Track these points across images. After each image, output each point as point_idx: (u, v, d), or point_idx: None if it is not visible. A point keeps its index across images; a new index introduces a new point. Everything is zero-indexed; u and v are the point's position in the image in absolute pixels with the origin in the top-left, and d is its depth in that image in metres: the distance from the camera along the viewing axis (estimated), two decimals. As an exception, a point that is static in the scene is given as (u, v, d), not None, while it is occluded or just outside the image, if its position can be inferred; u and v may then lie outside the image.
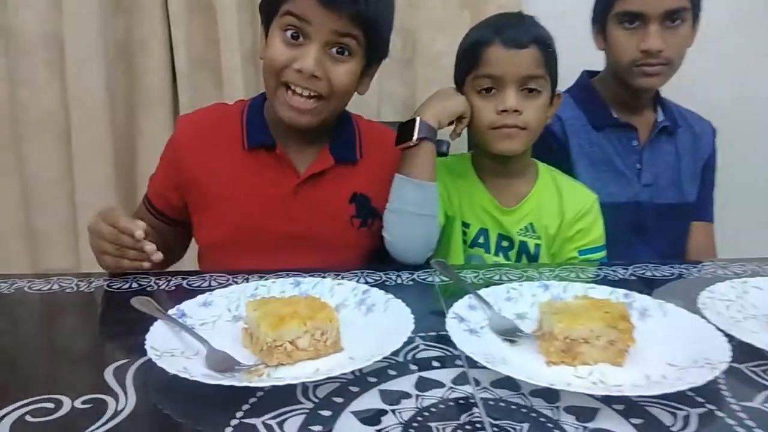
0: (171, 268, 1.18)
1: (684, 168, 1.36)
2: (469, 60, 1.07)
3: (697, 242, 1.40)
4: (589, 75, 1.39)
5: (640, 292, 0.80)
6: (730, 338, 0.67)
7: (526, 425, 0.56)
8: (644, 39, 1.20)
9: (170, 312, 0.74)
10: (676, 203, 1.34)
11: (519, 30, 1.03)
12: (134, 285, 0.91)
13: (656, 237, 1.32)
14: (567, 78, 1.37)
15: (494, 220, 1.11)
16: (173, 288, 0.90)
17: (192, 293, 0.79)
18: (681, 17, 1.21)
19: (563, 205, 1.11)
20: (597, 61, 1.35)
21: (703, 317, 0.73)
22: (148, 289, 0.89)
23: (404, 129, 1.06)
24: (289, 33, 0.97)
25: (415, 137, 1.03)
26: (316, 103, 1.00)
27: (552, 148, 1.27)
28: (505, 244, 1.10)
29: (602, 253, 1.11)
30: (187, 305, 0.76)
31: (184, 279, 0.93)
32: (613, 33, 1.25)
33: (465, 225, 1.12)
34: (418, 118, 1.04)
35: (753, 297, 0.82)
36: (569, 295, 0.81)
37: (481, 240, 1.11)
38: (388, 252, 1.06)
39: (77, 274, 0.95)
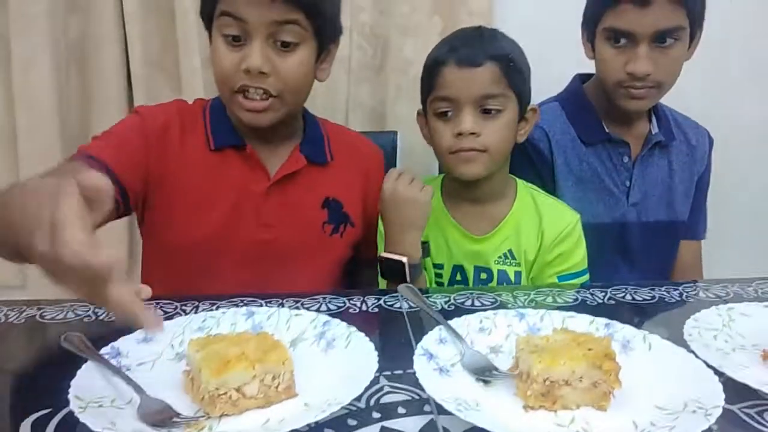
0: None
1: (677, 184, 1.27)
2: (427, 82, 1.02)
3: (684, 261, 1.33)
4: (581, 79, 1.29)
5: (621, 318, 0.74)
6: (720, 374, 0.61)
7: (502, 488, 0.49)
8: (632, 60, 1.09)
9: (104, 350, 0.65)
10: (666, 222, 1.26)
11: (474, 48, 0.97)
12: (69, 315, 0.82)
13: (643, 258, 1.25)
14: (561, 79, 1.31)
15: (467, 252, 1.05)
16: (113, 318, 0.81)
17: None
18: (675, 36, 1.09)
19: (543, 226, 1.05)
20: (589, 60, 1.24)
21: (690, 350, 0.68)
22: (86, 319, 0.80)
23: (391, 270, 0.98)
24: (229, 36, 0.93)
25: (408, 279, 0.96)
26: (269, 102, 0.95)
27: (535, 165, 1.20)
28: (483, 276, 1.04)
29: (584, 278, 1.06)
30: (123, 342, 0.67)
31: (126, 307, 0.84)
32: (600, 49, 1.14)
33: (437, 266, 1.06)
34: (405, 262, 0.96)
35: (740, 325, 0.77)
36: (546, 325, 0.75)
37: (458, 277, 1.05)
38: (358, 263, 1.00)
39: (7, 302, 0.85)
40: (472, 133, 0.97)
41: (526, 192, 1.08)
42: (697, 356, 0.65)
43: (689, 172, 1.29)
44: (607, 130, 1.22)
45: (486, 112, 0.97)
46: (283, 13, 0.90)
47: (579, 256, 1.05)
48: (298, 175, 1.03)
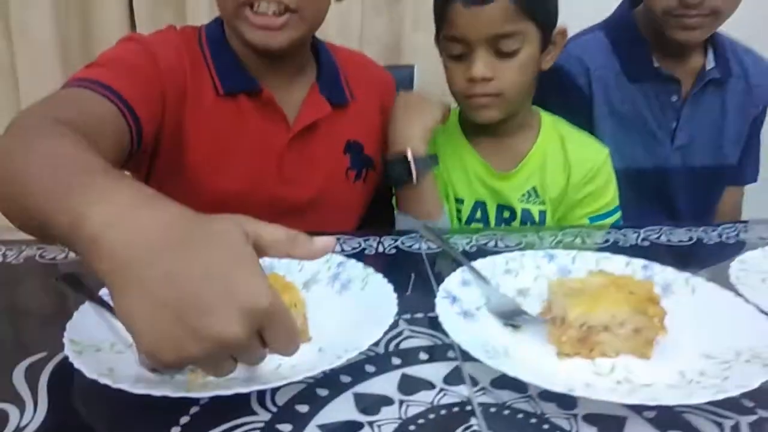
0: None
1: (729, 126, 1.14)
2: (437, 20, 0.92)
3: (723, 206, 1.24)
4: (631, 4, 1.15)
5: (657, 261, 0.68)
6: (773, 320, 0.56)
7: (537, 442, 0.44)
8: None
9: (104, 291, 0.61)
10: (713, 167, 1.15)
11: None
12: (71, 255, 0.77)
13: (684, 206, 1.16)
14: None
15: (490, 189, 0.98)
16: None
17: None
18: None
19: (569, 162, 0.97)
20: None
21: (739, 294, 0.62)
22: (86, 259, 0.76)
23: (394, 168, 0.91)
24: None
25: (415, 179, 0.89)
26: (286, 18, 0.82)
27: (570, 102, 1.09)
28: (506, 214, 0.98)
29: (616, 216, 0.99)
30: (124, 283, 0.63)
31: (129, 247, 0.79)
32: None
33: (458, 201, 0.99)
34: (410, 154, 0.88)
35: (791, 268, 0.71)
36: (578, 267, 0.69)
37: (478, 215, 0.98)
38: (380, 206, 0.96)
39: (6, 241, 0.81)
40: (485, 78, 0.88)
41: (551, 125, 1.01)
42: (747, 300, 0.60)
43: (744, 114, 1.17)
44: (656, 65, 1.10)
45: (500, 53, 0.88)
46: None
47: (610, 195, 0.98)
48: (320, 121, 0.93)
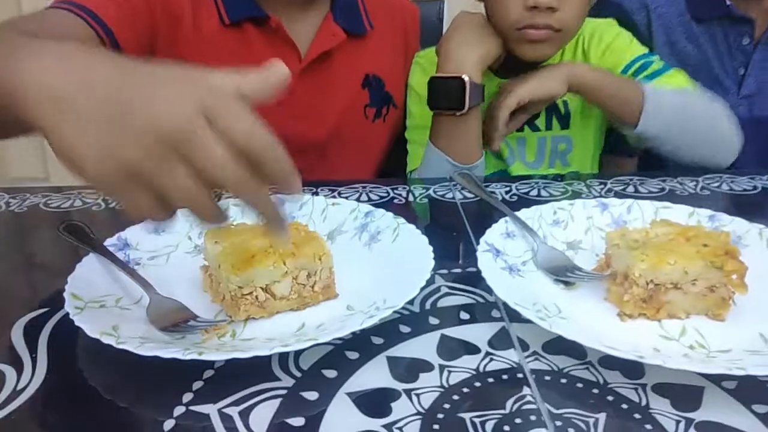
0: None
1: None
2: None
3: None
4: None
5: (721, 211, 0.61)
6: None
7: (602, 416, 0.38)
8: None
9: (108, 242, 0.55)
10: None
11: None
12: (77, 203, 0.72)
13: (747, 160, 1.06)
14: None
15: None
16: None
17: (147, 214, 0.60)
18: None
19: (582, 44, 0.90)
20: None
21: (821, 248, 0.55)
22: (94, 208, 0.71)
23: (444, 90, 0.80)
24: None
25: (466, 106, 0.79)
26: None
27: None
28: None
29: (654, 60, 0.88)
30: (131, 232, 0.57)
31: (140, 195, 0.74)
32: None
33: None
34: (467, 80, 0.78)
35: None
36: (635, 217, 0.62)
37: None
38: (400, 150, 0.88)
39: (9, 189, 0.76)
40: (550, 8, 0.77)
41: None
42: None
43: None
44: (728, 3, 0.98)
45: None
46: None
47: (636, 45, 0.90)
48: (335, 51, 0.86)
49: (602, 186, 0.77)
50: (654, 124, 0.79)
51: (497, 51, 0.83)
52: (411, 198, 0.74)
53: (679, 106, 0.82)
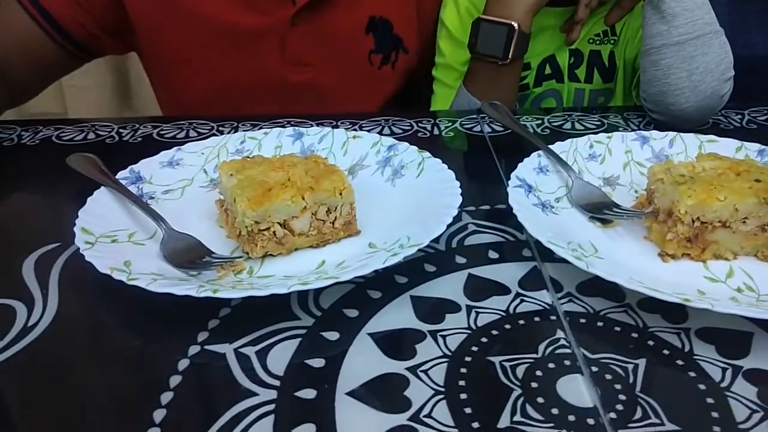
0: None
1: None
2: None
3: None
4: None
5: (770, 145, 0.56)
6: None
7: (641, 362, 0.36)
8: None
9: (121, 174, 0.53)
10: None
11: None
12: (90, 136, 0.69)
13: None
14: None
15: (558, 33, 0.82)
16: (139, 139, 0.68)
17: (163, 147, 0.58)
18: None
19: None
20: None
21: None
22: (108, 141, 0.68)
23: (488, 33, 0.73)
24: None
25: (510, 55, 0.72)
26: None
27: None
28: (571, 60, 0.83)
29: None
30: (145, 165, 0.55)
31: (155, 127, 0.71)
32: None
33: (524, 67, 0.83)
34: (516, 26, 0.71)
35: None
36: (678, 151, 0.58)
37: (547, 70, 0.85)
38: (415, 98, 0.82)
39: (21, 121, 0.74)
40: None
41: None
42: None
43: None
44: None
45: None
46: None
47: None
48: None
49: (641, 119, 0.72)
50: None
51: None
52: (436, 131, 0.71)
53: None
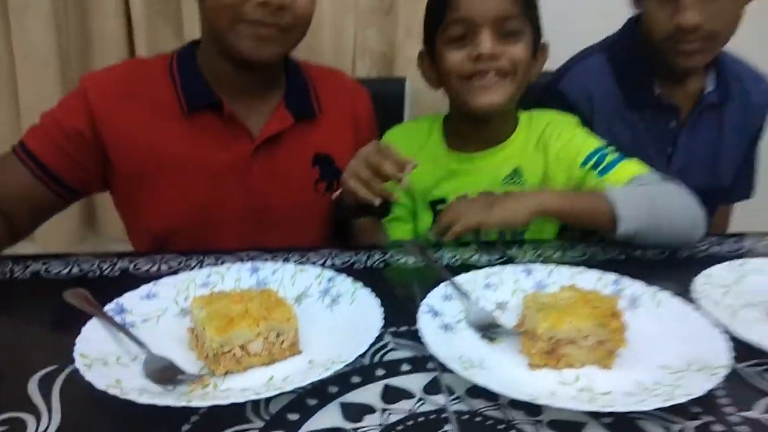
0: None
1: (726, 149, 1.14)
2: (437, 8, 0.95)
3: (714, 223, 1.21)
4: (634, 27, 1.11)
5: (631, 275, 0.73)
6: (727, 333, 0.61)
7: (504, 447, 0.49)
8: (678, 11, 0.97)
9: (108, 307, 0.65)
10: (707, 188, 1.05)
11: None
12: (75, 270, 0.82)
13: None
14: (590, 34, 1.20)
15: (471, 175, 1.01)
16: (117, 273, 0.81)
17: (139, 280, 0.71)
18: None
19: (543, 138, 1.00)
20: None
21: (699, 306, 0.67)
22: (90, 275, 0.81)
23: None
24: None
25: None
26: (282, 35, 0.89)
27: None
28: None
29: (609, 152, 0.95)
30: (127, 298, 0.67)
31: (131, 262, 0.84)
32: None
33: (439, 202, 1.02)
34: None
35: (751, 282, 0.76)
36: (554, 280, 0.74)
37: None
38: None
39: (13, 256, 0.85)
40: (492, 56, 0.90)
41: (526, 118, 1.04)
42: (704, 314, 0.65)
43: (741, 135, 1.16)
44: (657, 92, 1.09)
45: (505, 35, 0.91)
46: None
47: (592, 139, 0.98)
48: (285, 133, 0.97)
49: (534, 251, 0.90)
50: (631, 225, 0.83)
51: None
52: (370, 263, 0.86)
53: (646, 196, 0.86)
